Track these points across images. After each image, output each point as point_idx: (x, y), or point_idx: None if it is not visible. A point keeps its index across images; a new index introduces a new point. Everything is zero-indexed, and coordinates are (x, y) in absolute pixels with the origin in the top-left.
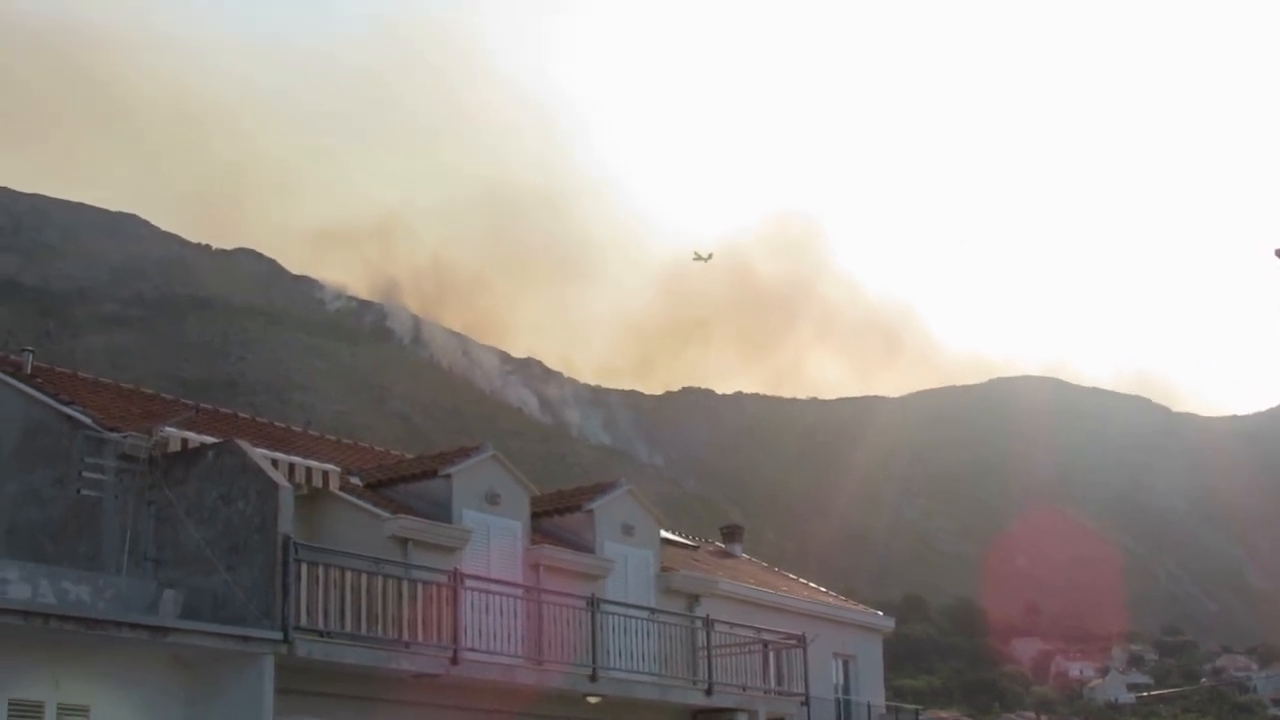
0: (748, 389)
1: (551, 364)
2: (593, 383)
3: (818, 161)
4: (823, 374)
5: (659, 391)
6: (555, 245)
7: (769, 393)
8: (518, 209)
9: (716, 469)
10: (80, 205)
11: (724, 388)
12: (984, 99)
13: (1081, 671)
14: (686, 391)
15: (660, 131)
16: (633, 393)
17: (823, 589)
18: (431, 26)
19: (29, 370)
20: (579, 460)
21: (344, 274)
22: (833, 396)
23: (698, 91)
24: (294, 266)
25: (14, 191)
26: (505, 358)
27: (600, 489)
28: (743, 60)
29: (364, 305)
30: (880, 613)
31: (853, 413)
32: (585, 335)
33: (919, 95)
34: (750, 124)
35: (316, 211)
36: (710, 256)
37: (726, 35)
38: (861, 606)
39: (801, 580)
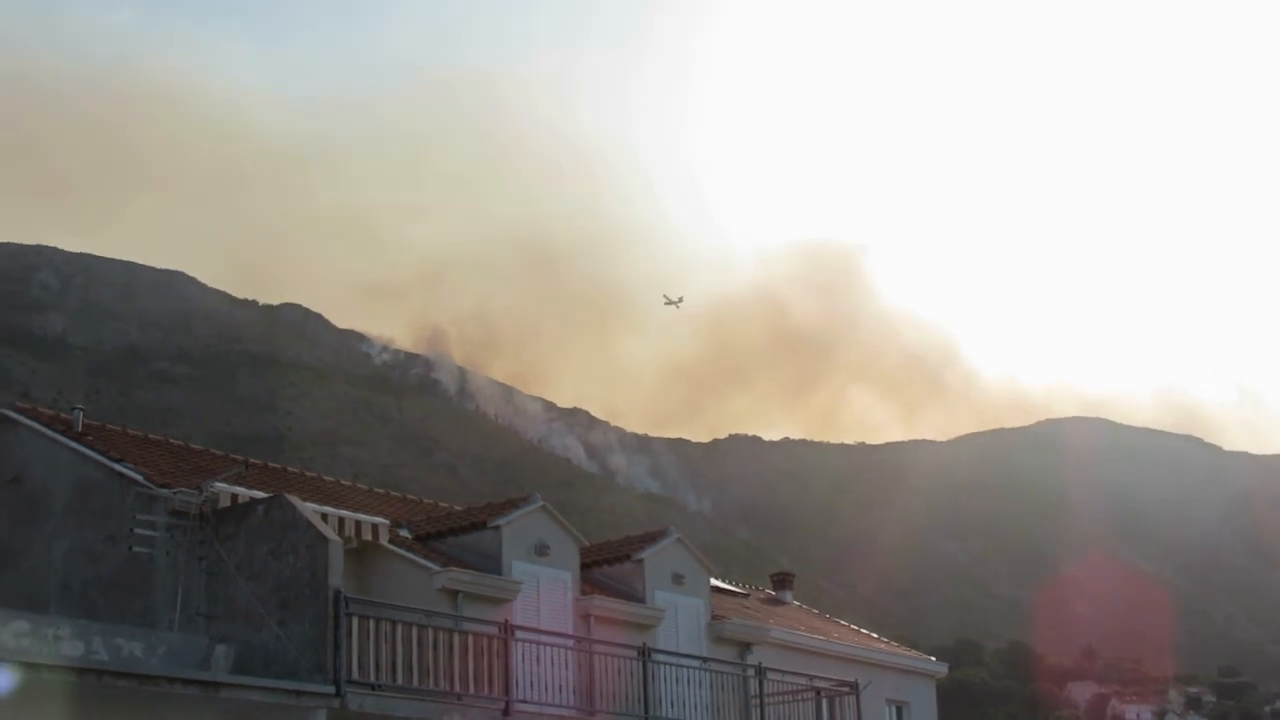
0: (792, 433)
1: (597, 412)
2: (639, 431)
3: (852, 196)
4: (864, 415)
5: (706, 439)
6: (597, 291)
7: (815, 438)
8: (559, 256)
9: (765, 515)
10: (129, 264)
11: (768, 432)
12: (1019, 130)
13: (1138, 715)
14: (734, 439)
15: (693, 172)
16: (679, 441)
17: (875, 635)
18: (469, 74)
19: (80, 428)
20: (627, 509)
21: (389, 326)
22: (880, 440)
23: (730, 128)
24: (340, 320)
25: (64, 251)
26: (551, 407)
27: (649, 538)
28: (774, 100)
29: (410, 358)
30: (933, 658)
31: (900, 456)
32: (629, 382)
33: (952, 128)
34: (780, 160)
35: (361, 264)
36: (681, 300)
37: (758, 74)
38: (914, 652)
39: (853, 626)
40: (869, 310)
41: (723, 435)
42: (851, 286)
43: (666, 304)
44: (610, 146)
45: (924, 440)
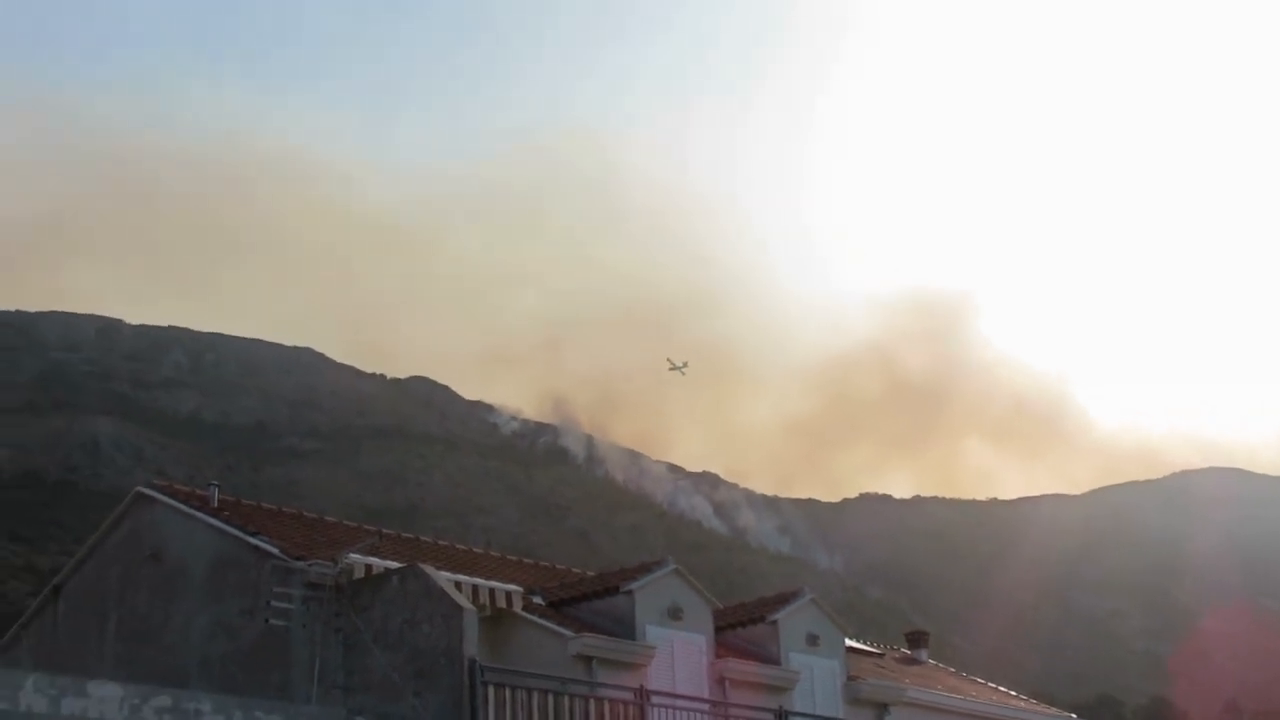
0: (919, 489)
1: (724, 473)
2: (767, 491)
3: (957, 241)
4: (980, 467)
5: (833, 497)
6: (711, 348)
7: (945, 494)
8: (672, 314)
9: (897, 574)
10: (255, 341)
11: (896, 488)
12: (1126, 169)
13: None
14: (864, 498)
15: (801, 223)
16: (808, 500)
17: (1013, 693)
18: (576, 136)
19: (215, 504)
20: (759, 570)
21: (513, 394)
22: (1010, 495)
23: (838, 179)
24: (467, 391)
25: (193, 331)
26: (678, 470)
27: (783, 599)
28: (881, 149)
29: (538, 426)
30: (1074, 715)
31: (1031, 511)
32: (750, 440)
33: (1053, 168)
34: (887, 208)
35: (480, 332)
36: (685, 365)
37: (863, 125)
38: (1054, 709)
39: (990, 684)
40: (979, 358)
41: (852, 494)
42: (960, 334)
43: (671, 369)
44: (719, 202)
45: (1054, 494)
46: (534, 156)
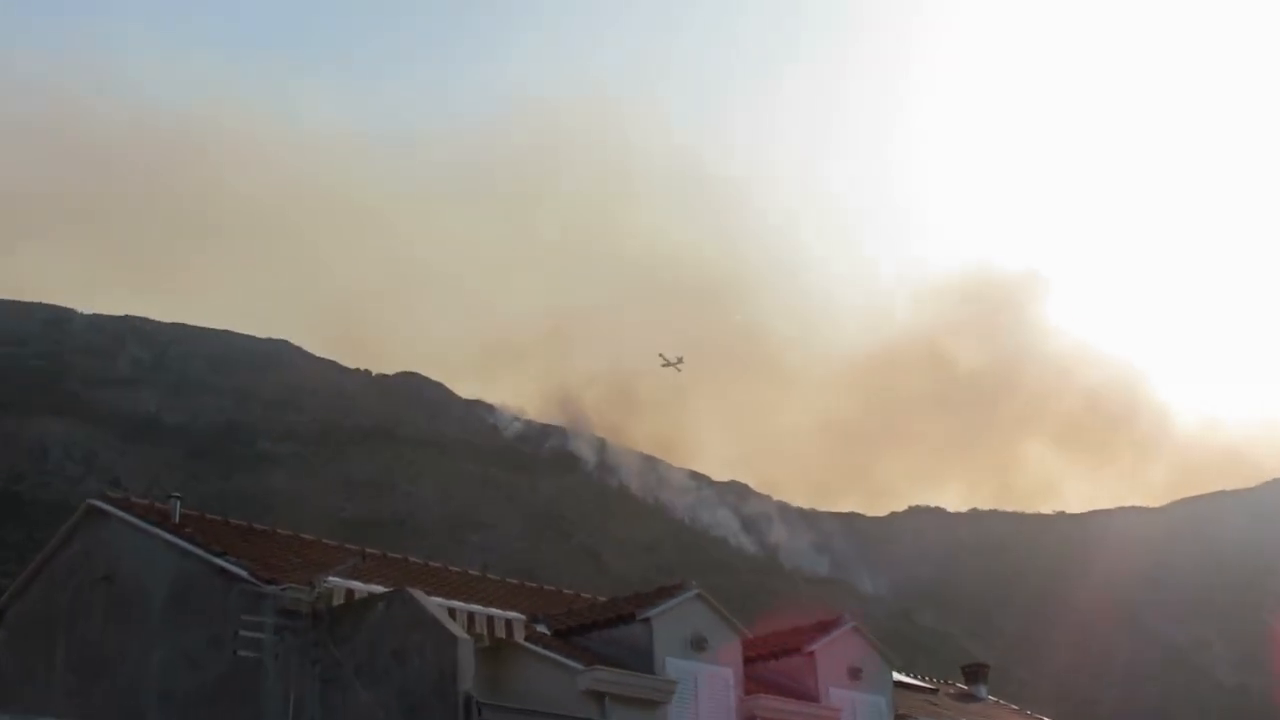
0: (973, 500)
1: (754, 484)
2: (803, 504)
3: (1017, 215)
4: (1044, 473)
5: (880, 511)
6: (740, 341)
7: (1006, 506)
8: (694, 303)
9: (952, 598)
10: (225, 333)
11: (943, 498)
12: (1210, 132)
13: None
14: (913, 511)
15: (837, 200)
16: (851, 515)
17: None
18: (583, 104)
19: (177, 519)
20: (794, 594)
21: (516, 393)
22: (1079, 508)
23: (874, 149)
24: (463, 389)
25: (154, 322)
26: (702, 479)
27: (822, 627)
28: (924, 114)
29: (543, 429)
30: None
31: (1105, 526)
32: (785, 445)
33: (1132, 129)
34: (935, 182)
35: (478, 322)
36: (680, 361)
37: (902, 84)
38: None
39: None
40: (1042, 349)
41: (899, 506)
42: (1021, 322)
43: (664, 366)
44: (746, 175)
45: (1129, 506)
46: (534, 124)
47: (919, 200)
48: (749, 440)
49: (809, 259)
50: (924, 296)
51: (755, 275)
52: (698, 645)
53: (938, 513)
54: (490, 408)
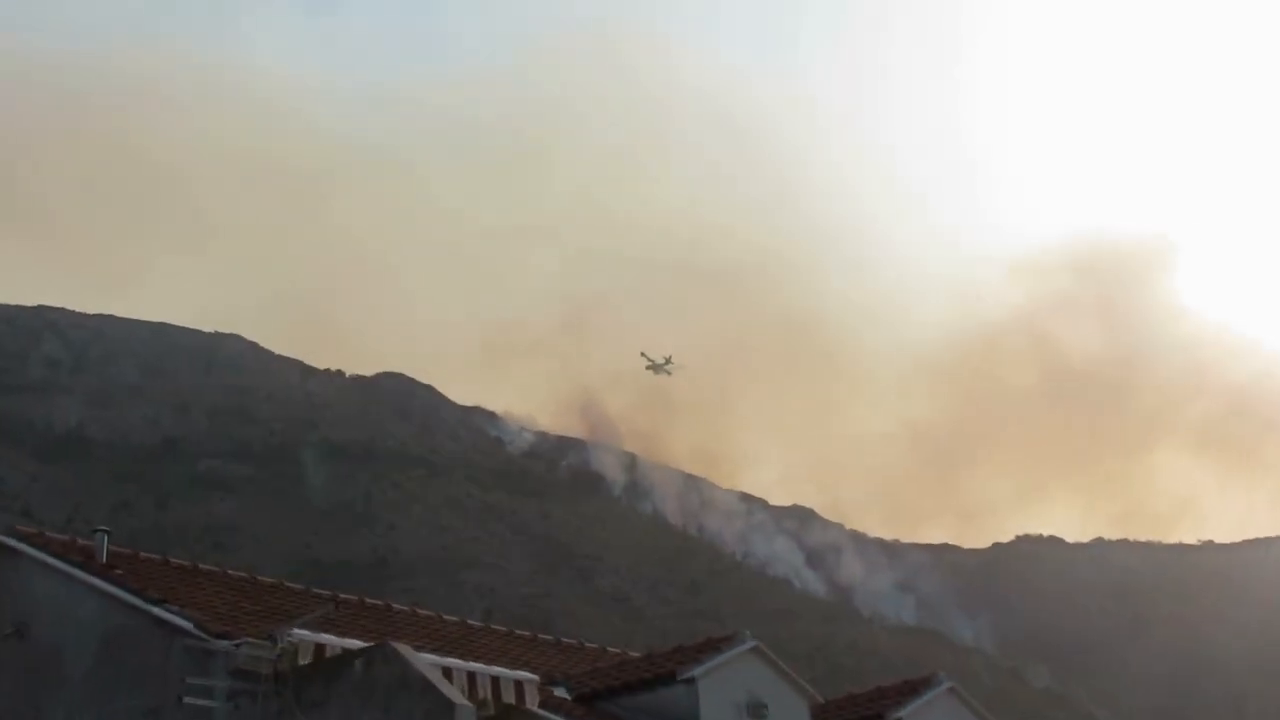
0: (1096, 527)
1: (821, 508)
2: (885, 535)
3: (1141, 174)
4: (1190, 495)
5: (981, 543)
6: (796, 330)
7: (1138, 535)
8: (740, 282)
9: (1071, 651)
10: (162, 326)
11: (1057, 525)
12: None
13: None
14: (1021, 543)
15: (911, 159)
16: (943, 547)
17: None
18: (594, 43)
19: (104, 558)
20: (874, 647)
21: (524, 397)
22: (1231, 535)
23: (960, 97)
24: (458, 393)
25: (73, 313)
26: (757, 504)
27: (909, 689)
28: (1020, 51)
29: (558, 442)
30: None
31: (1261, 558)
32: (859, 460)
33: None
34: (1036, 132)
35: (476, 310)
36: (669, 362)
37: (993, 16)
38: None
39: None
40: (1172, 334)
41: (1003, 536)
42: (1145, 300)
43: (649, 369)
44: (801, 133)
45: None
46: (543, 70)
47: (1015, 161)
48: (809, 452)
49: (870, 229)
50: (1022, 271)
51: (813, 254)
52: (755, 712)
53: (1052, 543)
54: (492, 416)
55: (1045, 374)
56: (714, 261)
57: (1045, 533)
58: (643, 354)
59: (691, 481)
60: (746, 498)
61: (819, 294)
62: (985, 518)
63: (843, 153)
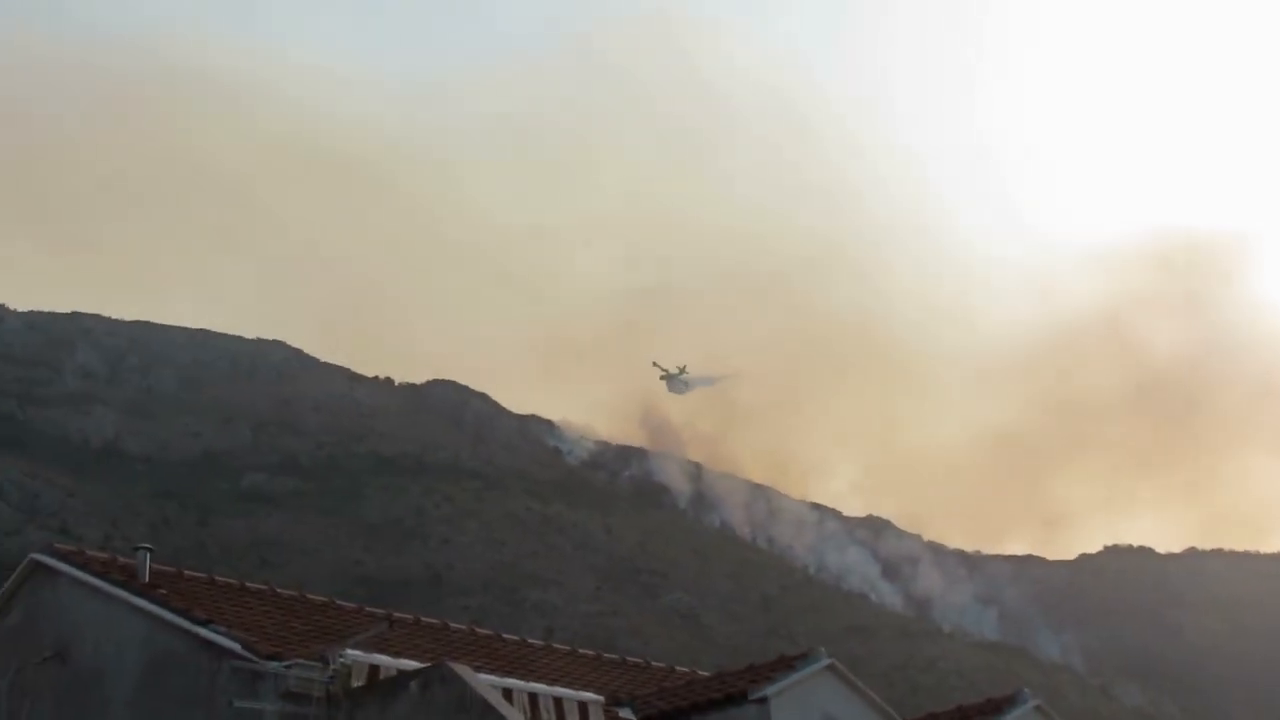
0: (1190, 536)
1: (899, 520)
2: (964, 546)
3: (1230, 160)
4: (1273, 494)
5: (1067, 554)
6: (864, 331)
7: (1234, 544)
8: (804, 281)
9: (1166, 668)
10: (202, 333)
11: (1148, 534)
12: None
13: None
14: (1111, 553)
15: (985, 150)
16: (1027, 558)
17: None
18: (646, 29)
19: (147, 577)
20: (955, 665)
21: (583, 405)
22: None
23: (1034, 84)
24: (514, 401)
25: (110, 320)
26: (829, 514)
27: (992, 707)
28: (1097, 37)
29: (619, 452)
30: None
31: None
32: (934, 468)
33: None
34: (1110, 117)
35: (529, 314)
36: (684, 371)
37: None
38: None
39: None
40: (1263, 329)
41: (1091, 546)
42: (1232, 295)
43: (663, 379)
44: (865, 120)
45: None
46: (593, 62)
47: (1092, 150)
48: (882, 458)
49: (951, 226)
50: (1101, 270)
51: (872, 245)
52: None
53: (1141, 553)
54: (550, 425)
55: (1127, 374)
56: (775, 259)
57: (1134, 543)
58: (655, 364)
59: (759, 491)
60: (818, 508)
61: (886, 291)
62: (1069, 527)
63: (911, 142)
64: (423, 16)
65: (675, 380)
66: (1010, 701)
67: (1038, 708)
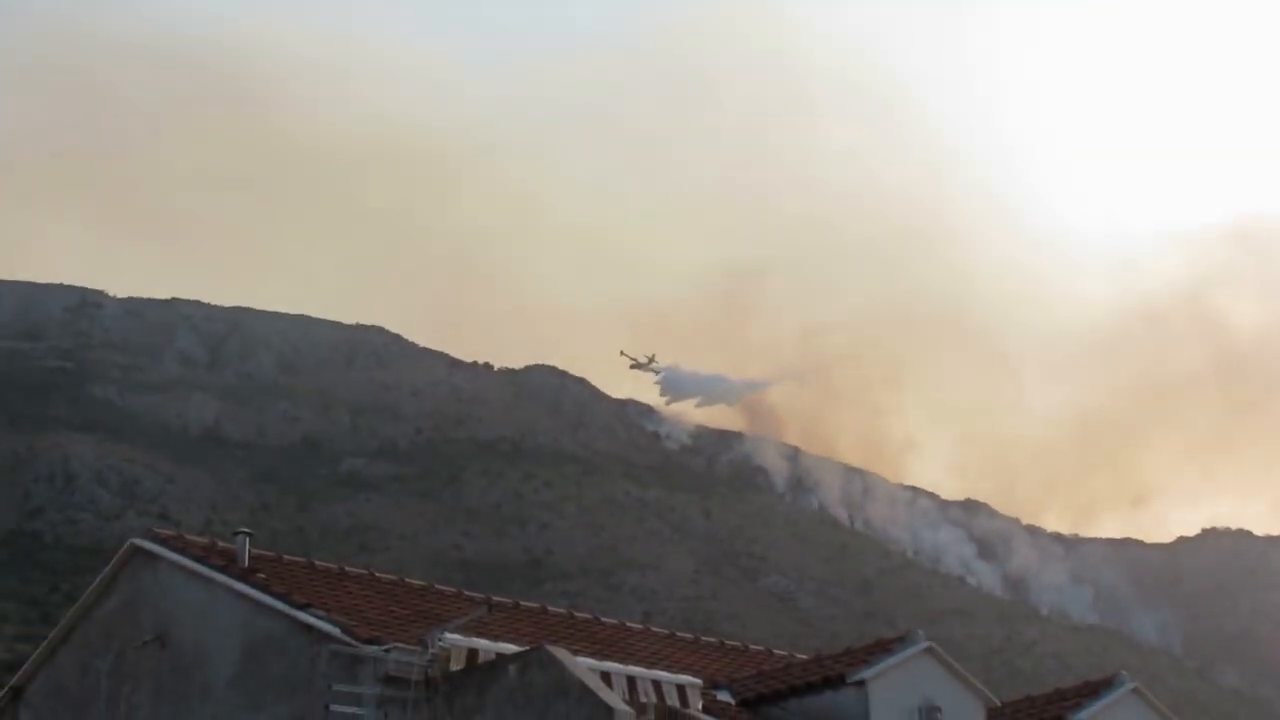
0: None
1: (996, 503)
2: (1060, 528)
3: None
4: None
5: (1164, 537)
6: (955, 311)
7: None
8: (895, 257)
9: (1265, 651)
10: (301, 319)
11: (1246, 517)
12: None
13: None
14: (1208, 535)
15: (1067, 127)
16: (1124, 541)
17: None
18: (743, 10)
19: (246, 562)
20: (1053, 648)
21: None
22: None
23: (1118, 59)
24: (612, 386)
25: (208, 306)
26: (927, 497)
27: (1089, 690)
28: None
29: (718, 436)
30: None
31: None
32: (1026, 447)
33: None
34: (1201, 96)
35: (622, 298)
36: (653, 360)
37: None
38: None
39: None
40: None
41: (1189, 529)
42: None
43: (634, 368)
44: (949, 101)
45: None
46: (677, 41)
47: (1179, 129)
48: (977, 439)
49: (1034, 204)
50: (1182, 248)
51: (959, 222)
52: (928, 716)
53: (1240, 536)
54: (648, 409)
55: (1214, 354)
56: (866, 236)
57: (1232, 525)
58: (623, 353)
59: (856, 474)
60: (914, 490)
61: (971, 272)
62: (1157, 506)
63: (1009, 118)
64: (510, 10)
65: (645, 367)
66: (1108, 684)
67: (1135, 690)
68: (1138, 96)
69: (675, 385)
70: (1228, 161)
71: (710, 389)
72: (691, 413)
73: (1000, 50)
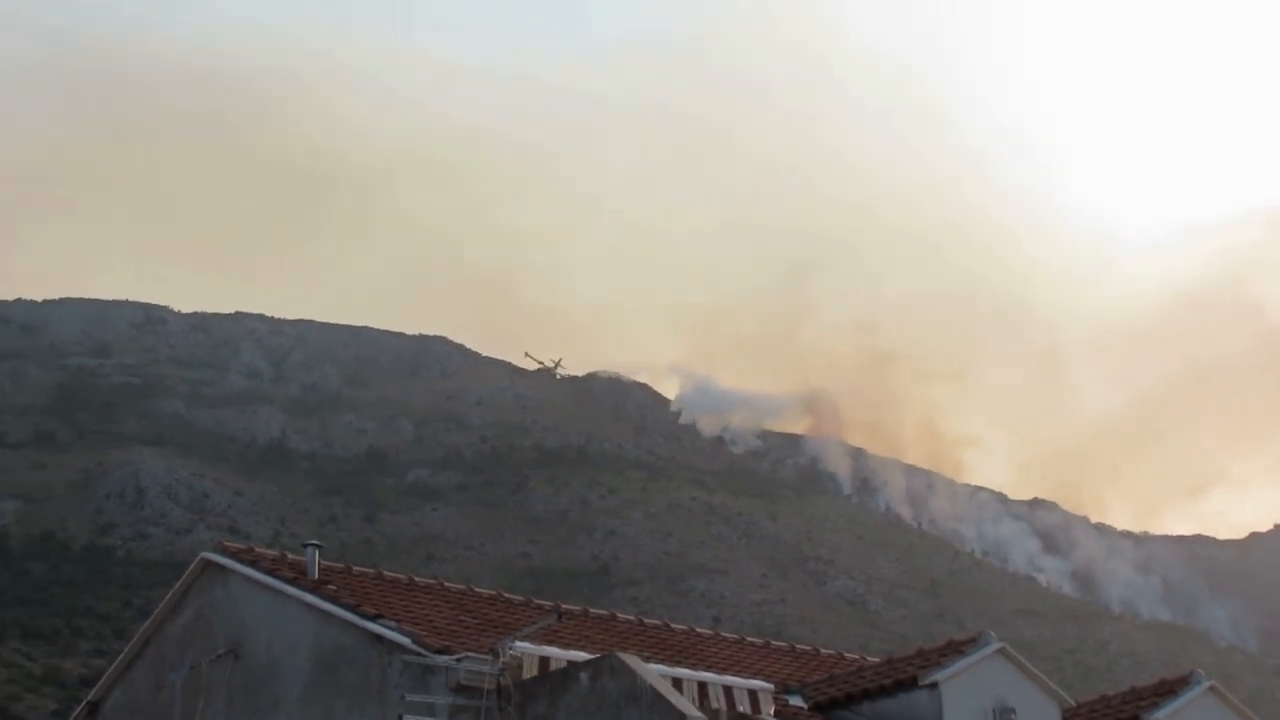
0: None
1: (1064, 502)
2: (1130, 527)
3: None
4: None
5: (1236, 533)
6: (1004, 304)
7: None
8: (941, 254)
9: None
10: (365, 330)
11: None
12: None
13: None
14: None
15: (1105, 121)
16: (1196, 538)
17: None
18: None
19: (316, 574)
20: (1127, 647)
21: (748, 394)
22: None
23: (1150, 56)
24: (671, 391)
25: (273, 320)
26: (994, 496)
27: (1165, 689)
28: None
29: (783, 441)
30: None
31: None
32: (1088, 444)
33: None
34: (1234, 88)
35: (690, 303)
36: (559, 364)
37: None
38: None
39: None
40: None
41: (1261, 525)
42: None
43: (540, 371)
44: (992, 99)
45: None
46: (718, 45)
47: (1211, 120)
48: (1040, 437)
49: (1067, 198)
50: (1217, 233)
51: (996, 215)
52: (1002, 717)
53: None
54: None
55: (1255, 339)
56: (915, 234)
57: None
58: (527, 354)
59: (921, 474)
60: (981, 490)
61: (1020, 264)
62: (1233, 504)
63: (1047, 114)
64: (546, 10)
65: (551, 372)
66: (1184, 683)
67: (1212, 689)
68: (1175, 88)
69: (699, 401)
70: (1261, 149)
71: (738, 406)
72: (754, 415)
73: (1042, 49)
